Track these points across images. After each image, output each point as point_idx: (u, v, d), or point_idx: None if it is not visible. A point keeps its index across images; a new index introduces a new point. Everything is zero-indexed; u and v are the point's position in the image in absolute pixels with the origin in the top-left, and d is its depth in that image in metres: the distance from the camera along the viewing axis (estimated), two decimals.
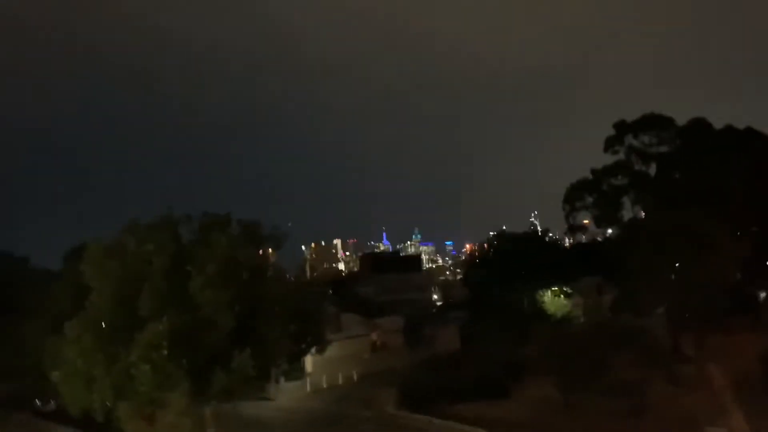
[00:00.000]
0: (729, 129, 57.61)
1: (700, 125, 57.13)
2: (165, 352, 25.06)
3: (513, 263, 68.90)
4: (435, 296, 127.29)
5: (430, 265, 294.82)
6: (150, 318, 25.86)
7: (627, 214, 57.24)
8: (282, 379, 51.27)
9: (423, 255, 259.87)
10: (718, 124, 58.14)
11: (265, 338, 28.46)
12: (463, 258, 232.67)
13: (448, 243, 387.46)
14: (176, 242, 29.70)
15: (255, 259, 30.22)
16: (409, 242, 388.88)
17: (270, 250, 34.08)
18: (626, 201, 57.00)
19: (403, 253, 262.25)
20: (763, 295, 59.41)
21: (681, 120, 57.89)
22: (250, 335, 28.07)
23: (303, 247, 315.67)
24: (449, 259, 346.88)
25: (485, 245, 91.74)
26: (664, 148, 56.87)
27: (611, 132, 58.08)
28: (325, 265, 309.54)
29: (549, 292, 70.46)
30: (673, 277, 45.44)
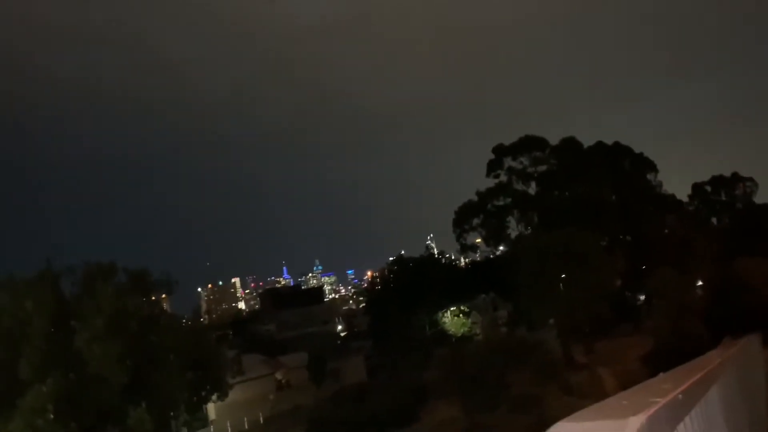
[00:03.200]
0: (599, 145, 62.10)
1: (571, 143, 61.20)
2: (51, 416, 23.51)
3: (412, 287, 69.99)
4: (339, 327, 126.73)
5: (333, 295, 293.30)
6: (32, 381, 24.19)
7: (513, 231, 60.05)
8: (184, 430, 49.06)
9: (325, 286, 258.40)
10: (588, 142, 62.54)
11: (161, 390, 27.34)
12: (365, 286, 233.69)
13: (349, 272, 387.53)
14: (58, 297, 28.06)
15: (145, 308, 29.10)
16: (310, 274, 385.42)
17: (162, 296, 32.91)
18: (511, 220, 59.85)
19: (305, 286, 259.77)
20: (642, 298, 63.83)
21: (554, 140, 61.85)
22: (145, 388, 26.88)
23: (199, 289, 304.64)
24: (352, 288, 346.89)
25: (385, 271, 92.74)
26: (541, 168, 60.37)
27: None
28: (224, 306, 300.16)
29: (449, 312, 72.08)
30: (561, 287, 48.09)
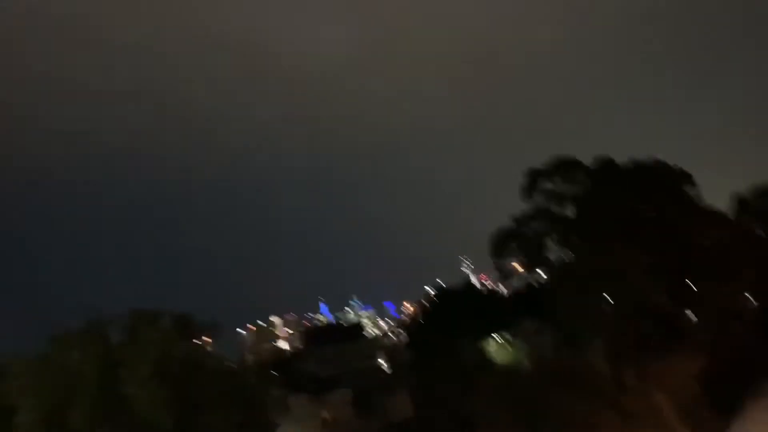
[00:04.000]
0: (634, 161, 61.18)
1: (605, 162, 60.39)
2: None
3: (454, 318, 69.50)
4: (382, 361, 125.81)
5: (373, 329, 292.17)
6: (84, 430, 24.49)
7: (553, 255, 59.13)
8: None
9: (364, 320, 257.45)
10: (620, 157, 61.72)
11: None
12: (405, 317, 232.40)
13: (387, 304, 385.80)
14: (105, 346, 28.54)
15: (190, 353, 29.36)
16: (348, 309, 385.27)
17: (207, 339, 33.22)
18: (550, 243, 59.00)
19: (344, 322, 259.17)
20: (690, 314, 61.99)
21: (587, 157, 61.23)
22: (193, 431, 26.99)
23: (240, 330, 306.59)
24: (390, 321, 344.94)
25: (424, 302, 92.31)
26: (577, 189, 59.61)
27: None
28: (265, 345, 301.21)
29: (492, 340, 71.20)
30: (605, 309, 47.06)
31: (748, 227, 63.81)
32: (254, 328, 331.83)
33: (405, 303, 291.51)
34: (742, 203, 67.60)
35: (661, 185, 58.72)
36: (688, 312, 59.12)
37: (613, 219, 54.01)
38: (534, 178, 60.27)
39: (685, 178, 60.48)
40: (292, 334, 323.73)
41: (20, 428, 25.95)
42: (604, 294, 46.62)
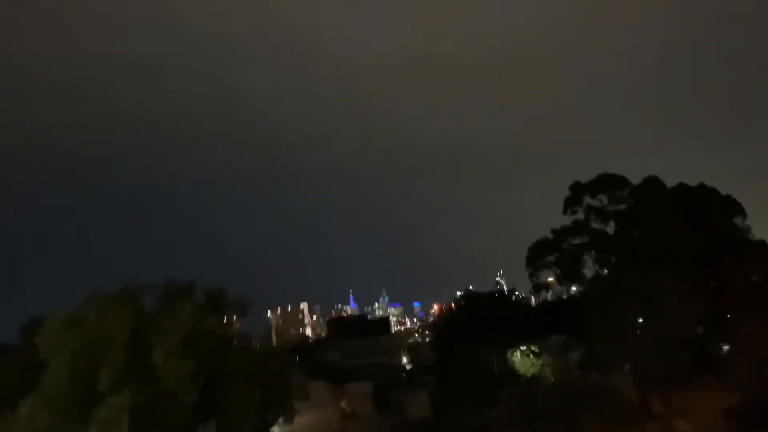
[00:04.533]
0: (681, 186, 59.76)
1: (652, 183, 59.18)
2: (125, 429, 24.20)
3: (481, 323, 68.86)
4: (404, 359, 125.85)
5: (399, 327, 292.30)
6: (110, 393, 25.07)
7: (589, 272, 58.18)
8: None
9: (391, 317, 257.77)
10: (670, 182, 60.34)
11: (230, 410, 27.79)
12: (432, 319, 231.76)
13: (416, 304, 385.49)
14: (138, 312, 29.14)
15: (220, 328, 29.80)
16: (376, 304, 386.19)
17: (234, 317, 33.66)
18: (587, 259, 58.06)
19: (371, 316, 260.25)
20: (725, 348, 60.32)
21: (635, 179, 60.00)
22: (215, 407, 27.39)
23: (269, 313, 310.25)
24: (417, 321, 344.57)
25: (453, 305, 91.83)
26: (620, 207, 58.54)
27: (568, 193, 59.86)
28: (291, 331, 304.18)
29: (518, 351, 70.36)
30: (637, 333, 46.10)
31: None
32: (281, 312, 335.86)
33: (434, 305, 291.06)
34: None
35: (708, 211, 57.20)
36: (724, 346, 57.61)
37: (655, 241, 52.84)
38: (578, 192, 59.38)
39: (735, 207, 58.81)
40: (319, 321, 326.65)
41: (48, 383, 26.64)
42: (638, 317, 45.65)
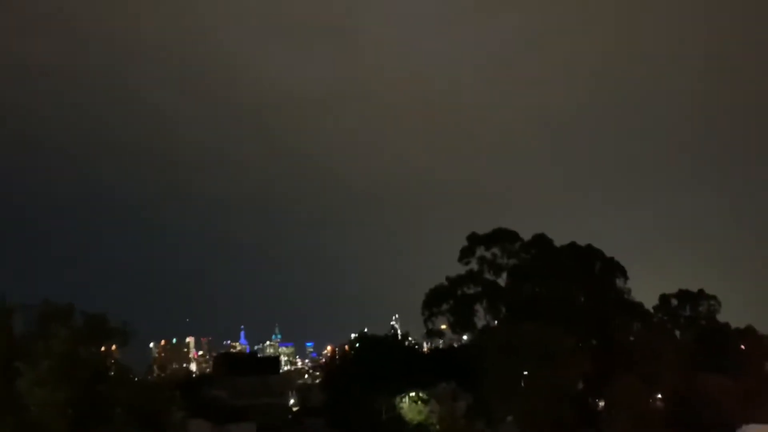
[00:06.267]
0: (572, 245, 63.10)
1: (542, 241, 62.21)
2: None
3: (372, 367, 68.45)
4: (292, 400, 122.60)
5: (289, 367, 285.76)
6: None
7: (480, 321, 59.79)
8: None
9: (282, 356, 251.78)
10: (561, 240, 63.58)
11: None
12: (323, 360, 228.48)
13: (308, 344, 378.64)
14: (7, 334, 26.72)
15: (98, 356, 27.79)
16: (268, 342, 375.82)
17: (113, 347, 31.55)
18: (480, 309, 59.72)
19: (261, 354, 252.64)
20: (602, 404, 63.10)
21: (528, 233, 62.87)
22: None
23: (151, 345, 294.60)
24: (309, 361, 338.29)
25: (346, 347, 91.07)
26: (512, 261, 60.93)
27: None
28: (174, 365, 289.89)
29: (407, 397, 70.29)
30: (522, 385, 47.44)
31: (669, 328, 66.32)
32: (165, 344, 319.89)
33: (328, 346, 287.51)
34: (666, 303, 70.31)
35: (593, 272, 60.58)
36: (601, 403, 60.41)
37: (544, 296, 55.19)
38: (473, 243, 61.36)
39: (618, 269, 62.70)
40: (205, 357, 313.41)
41: None
42: (525, 369, 47.11)
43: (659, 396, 54.05)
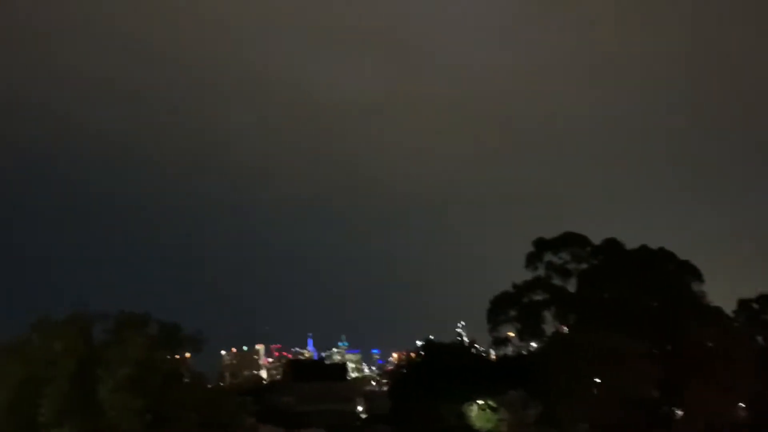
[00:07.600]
0: (642, 249, 60.91)
1: (613, 245, 60.28)
2: None
3: (439, 374, 68.15)
4: (360, 407, 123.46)
5: (356, 374, 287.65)
6: (49, 425, 23.89)
7: (549, 328, 58.46)
8: None
9: (349, 363, 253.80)
10: (632, 244, 61.46)
11: None
12: (390, 367, 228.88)
13: (374, 351, 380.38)
14: (87, 342, 28.08)
15: (172, 363, 28.83)
16: (335, 349, 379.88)
17: (187, 354, 32.66)
18: (548, 315, 58.42)
19: (329, 361, 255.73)
20: (679, 413, 60.61)
21: (597, 238, 61.07)
22: None
23: (223, 352, 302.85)
24: (375, 368, 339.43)
25: (412, 355, 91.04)
26: (581, 266, 59.33)
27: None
28: (245, 372, 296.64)
29: (475, 405, 69.58)
30: (594, 392, 46.17)
31: (749, 334, 63.06)
32: (235, 351, 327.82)
33: (394, 353, 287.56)
34: (746, 307, 66.90)
35: (666, 275, 58.29)
36: (677, 411, 58.01)
37: (615, 301, 53.53)
38: (540, 248, 60.08)
39: (692, 272, 60.08)
40: (275, 364, 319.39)
41: None
42: (596, 376, 45.81)
43: (741, 405, 51.44)
